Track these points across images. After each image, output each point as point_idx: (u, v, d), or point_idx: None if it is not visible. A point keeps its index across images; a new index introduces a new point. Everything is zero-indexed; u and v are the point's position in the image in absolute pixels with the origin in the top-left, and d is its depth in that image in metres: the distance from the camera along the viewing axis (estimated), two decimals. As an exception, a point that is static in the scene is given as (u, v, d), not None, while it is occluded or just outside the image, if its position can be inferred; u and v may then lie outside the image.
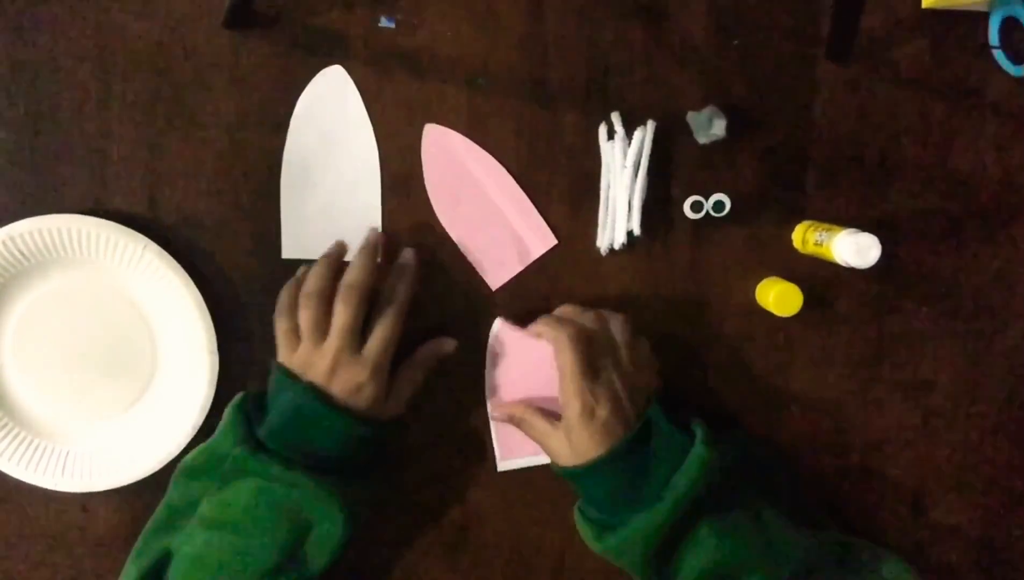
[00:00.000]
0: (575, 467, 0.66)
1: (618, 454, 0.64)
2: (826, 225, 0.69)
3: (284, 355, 0.68)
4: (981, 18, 0.72)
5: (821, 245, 0.67)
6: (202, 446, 0.68)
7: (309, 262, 0.70)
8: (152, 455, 0.72)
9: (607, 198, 0.72)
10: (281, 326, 0.68)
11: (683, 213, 0.72)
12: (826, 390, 0.75)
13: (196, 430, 0.72)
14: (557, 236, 0.73)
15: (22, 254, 0.69)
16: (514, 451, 0.74)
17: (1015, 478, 0.77)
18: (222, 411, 0.72)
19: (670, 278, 0.74)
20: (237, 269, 0.72)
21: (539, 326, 0.69)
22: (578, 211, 0.73)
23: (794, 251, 0.73)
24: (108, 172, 0.70)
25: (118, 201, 0.70)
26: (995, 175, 0.74)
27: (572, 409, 0.65)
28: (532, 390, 0.72)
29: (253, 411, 0.67)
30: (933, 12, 0.71)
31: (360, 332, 0.66)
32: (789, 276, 0.73)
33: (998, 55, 0.72)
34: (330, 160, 0.71)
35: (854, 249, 0.64)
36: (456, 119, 0.71)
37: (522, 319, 0.73)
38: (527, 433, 0.70)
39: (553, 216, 0.73)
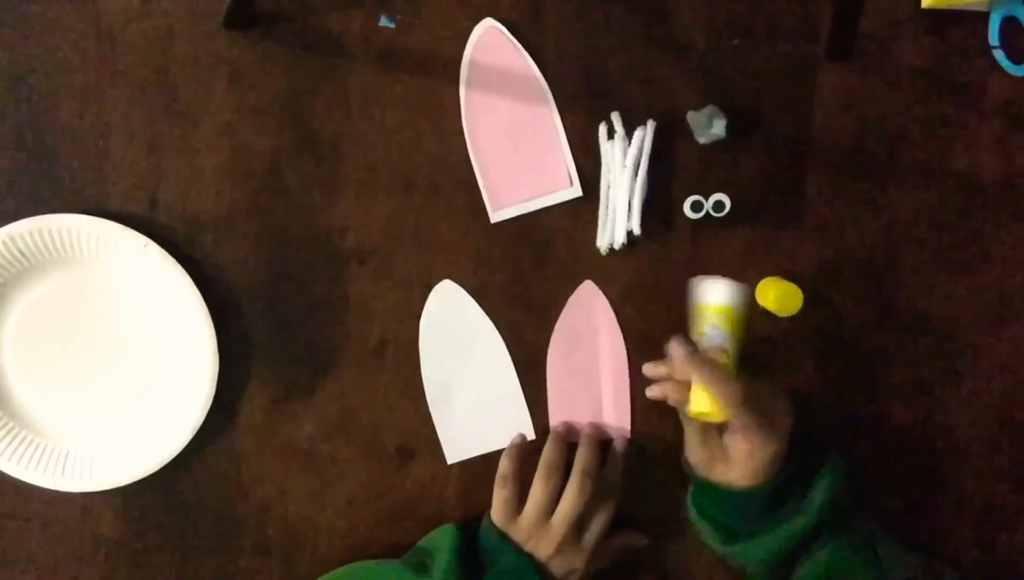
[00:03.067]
0: (748, 487, 0.66)
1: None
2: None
3: (502, 519, 0.71)
4: (981, 18, 0.72)
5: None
6: (396, 568, 0.71)
7: (473, 460, 0.75)
8: (152, 455, 0.72)
9: (607, 198, 0.72)
10: (503, 492, 0.71)
11: (683, 213, 0.72)
12: (826, 390, 0.75)
13: (196, 430, 0.72)
14: (555, 237, 0.73)
15: (22, 254, 0.69)
16: (504, 201, 0.72)
17: (1016, 479, 0.77)
18: (222, 411, 0.73)
19: (670, 278, 0.74)
20: (237, 269, 0.72)
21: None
22: (578, 211, 0.73)
23: (794, 251, 0.73)
24: (108, 172, 0.70)
25: (118, 201, 0.70)
26: (995, 175, 0.74)
27: (749, 451, 0.66)
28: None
29: (464, 557, 0.70)
30: (933, 12, 0.71)
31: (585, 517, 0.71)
32: (789, 276, 0.73)
33: (998, 55, 0.72)
34: (464, 364, 0.74)
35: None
36: (456, 120, 0.71)
37: (516, 317, 0.73)
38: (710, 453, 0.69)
39: (553, 216, 0.73)
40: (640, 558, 0.76)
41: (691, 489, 0.71)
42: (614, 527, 0.73)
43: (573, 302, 0.74)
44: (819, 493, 0.67)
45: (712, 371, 0.64)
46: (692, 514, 0.71)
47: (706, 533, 0.71)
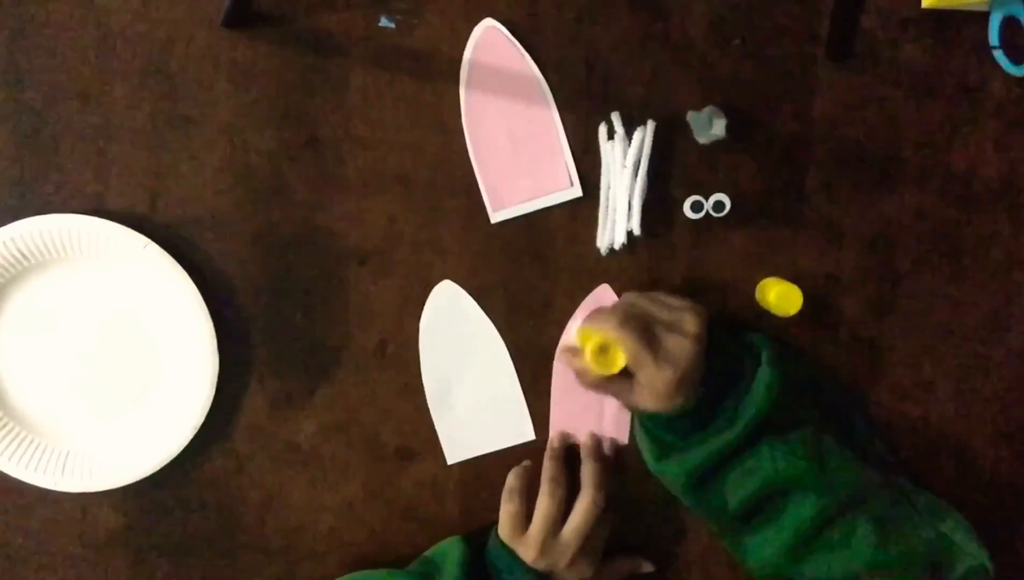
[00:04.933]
0: (661, 412, 0.66)
1: (697, 395, 0.66)
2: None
3: (509, 535, 0.71)
4: (981, 18, 0.72)
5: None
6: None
7: (473, 460, 0.75)
8: (152, 455, 0.72)
9: (607, 198, 0.72)
10: (510, 507, 0.71)
11: (683, 213, 0.72)
12: (826, 390, 0.75)
13: (196, 430, 0.72)
14: (555, 237, 0.73)
15: (22, 254, 0.69)
16: (504, 201, 0.72)
17: (1016, 479, 0.77)
18: (222, 411, 0.73)
19: (670, 278, 0.74)
20: (237, 269, 0.72)
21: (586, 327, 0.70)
22: (578, 211, 0.73)
23: (794, 251, 0.73)
24: (108, 172, 0.70)
25: (118, 201, 0.70)
26: (995, 175, 0.74)
27: (649, 377, 0.65)
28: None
29: (473, 573, 0.70)
30: (933, 12, 0.71)
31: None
32: (789, 276, 0.73)
33: (998, 55, 0.72)
34: (464, 364, 0.74)
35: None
36: (456, 120, 0.71)
37: (517, 317, 0.73)
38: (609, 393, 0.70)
39: (553, 216, 0.73)
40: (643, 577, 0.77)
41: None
42: (622, 550, 0.75)
43: (588, 304, 0.73)
44: (747, 407, 0.66)
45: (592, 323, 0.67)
46: (637, 434, 0.71)
47: (645, 452, 0.71)
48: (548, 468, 0.72)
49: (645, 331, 0.65)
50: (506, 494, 0.72)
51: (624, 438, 0.75)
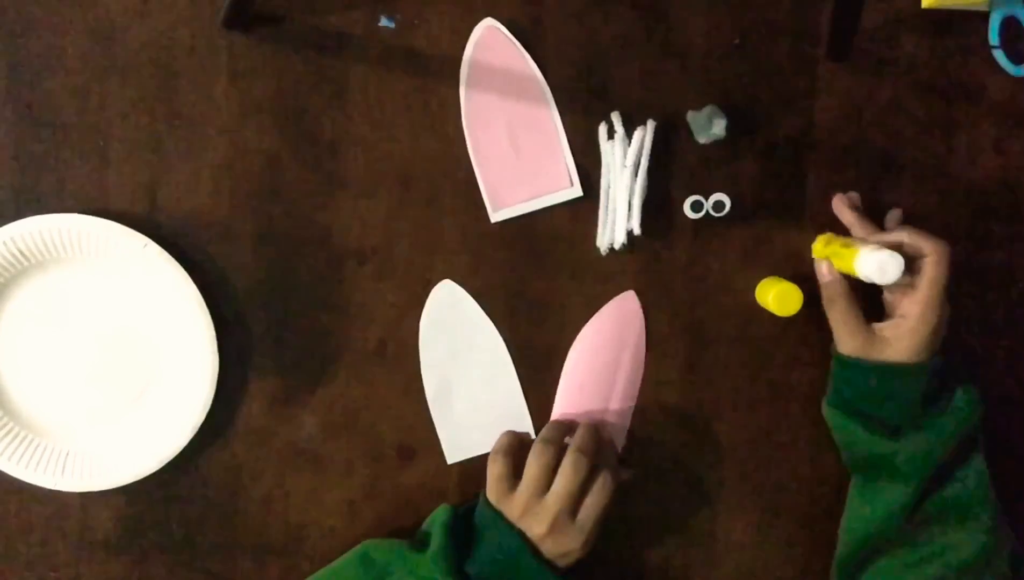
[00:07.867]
0: (913, 363, 0.68)
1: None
2: (845, 239, 0.69)
3: (496, 496, 0.69)
4: (981, 18, 0.72)
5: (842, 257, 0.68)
6: (399, 546, 0.70)
7: (473, 460, 0.75)
8: (152, 455, 0.72)
9: (607, 198, 0.72)
10: (496, 468, 0.70)
11: (683, 213, 0.72)
12: (826, 390, 0.75)
13: (196, 430, 0.72)
14: (555, 237, 0.73)
15: (22, 254, 0.69)
16: (504, 201, 0.72)
17: (1015, 477, 0.77)
18: (222, 411, 0.73)
19: (670, 278, 0.74)
20: (237, 269, 0.72)
21: (904, 235, 0.68)
22: (578, 211, 0.73)
23: (794, 251, 0.73)
24: (108, 172, 0.70)
25: (118, 201, 0.70)
26: (995, 175, 0.74)
27: (934, 317, 0.67)
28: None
29: (458, 534, 0.69)
30: (933, 12, 0.71)
31: (580, 498, 0.68)
32: (789, 276, 0.73)
33: (998, 55, 0.72)
34: (464, 364, 0.74)
35: (876, 267, 0.64)
36: (455, 120, 0.71)
37: (517, 317, 0.73)
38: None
39: (553, 216, 0.73)
40: (643, 558, 0.76)
41: (829, 394, 0.72)
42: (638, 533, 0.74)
43: (612, 308, 0.73)
44: (962, 399, 0.68)
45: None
46: (835, 418, 0.71)
47: (855, 434, 0.69)
48: (543, 432, 0.71)
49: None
50: (491, 455, 0.71)
51: (622, 437, 0.75)
